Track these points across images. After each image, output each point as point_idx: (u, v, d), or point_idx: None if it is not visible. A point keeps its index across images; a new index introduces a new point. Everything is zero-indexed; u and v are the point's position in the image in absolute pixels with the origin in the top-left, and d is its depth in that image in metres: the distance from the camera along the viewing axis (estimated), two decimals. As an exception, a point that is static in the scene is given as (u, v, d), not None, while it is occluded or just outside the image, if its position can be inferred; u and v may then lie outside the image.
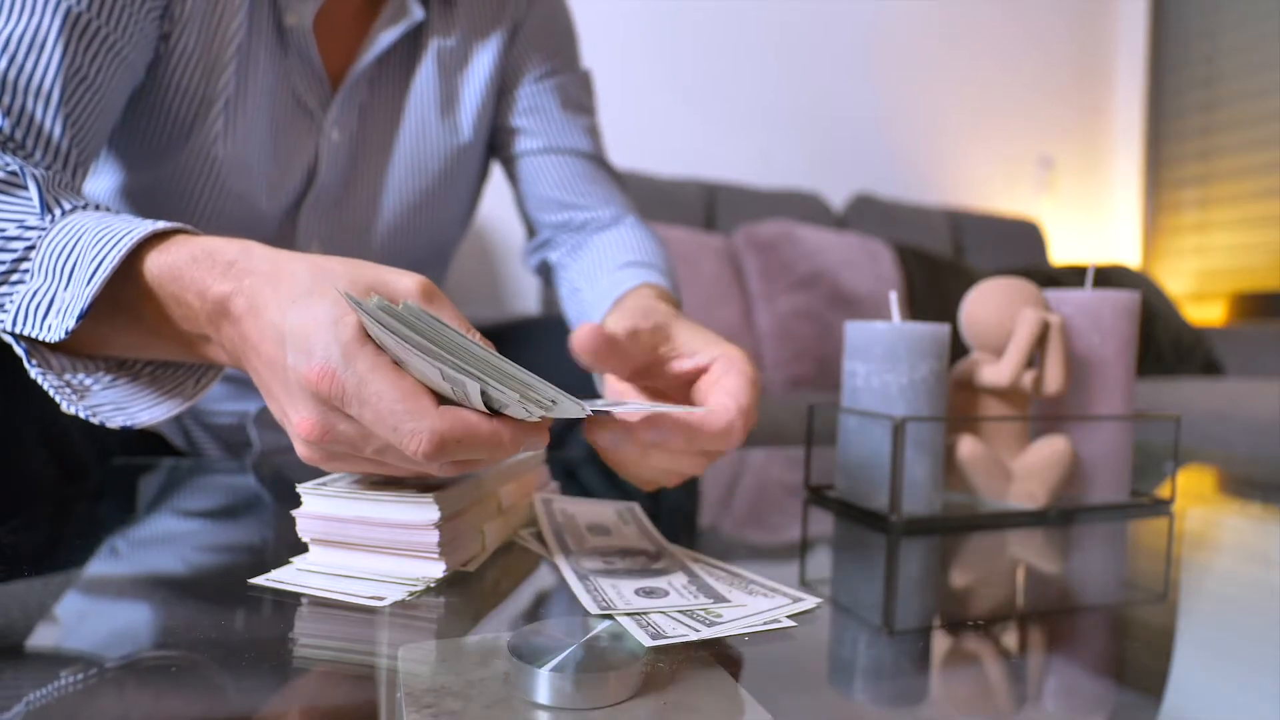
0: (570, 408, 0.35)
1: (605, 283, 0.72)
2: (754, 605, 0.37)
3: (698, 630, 0.33)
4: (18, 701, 0.28)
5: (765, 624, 0.35)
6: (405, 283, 0.38)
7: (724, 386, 0.45)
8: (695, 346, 0.48)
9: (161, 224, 0.44)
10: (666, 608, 0.36)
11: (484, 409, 0.34)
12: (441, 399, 0.35)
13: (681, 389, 0.49)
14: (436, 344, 0.33)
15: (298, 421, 0.36)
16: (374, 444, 0.35)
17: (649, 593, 0.37)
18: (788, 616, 0.36)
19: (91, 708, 0.28)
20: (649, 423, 0.41)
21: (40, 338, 0.44)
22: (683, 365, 0.48)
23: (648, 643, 0.32)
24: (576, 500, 0.52)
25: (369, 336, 0.34)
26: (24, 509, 0.55)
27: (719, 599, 0.37)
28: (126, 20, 0.57)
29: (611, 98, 1.34)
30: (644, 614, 0.35)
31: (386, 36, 0.70)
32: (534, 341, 0.89)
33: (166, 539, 0.51)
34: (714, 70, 2.43)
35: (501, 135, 0.82)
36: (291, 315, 0.36)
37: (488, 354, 0.34)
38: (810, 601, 0.38)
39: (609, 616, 0.35)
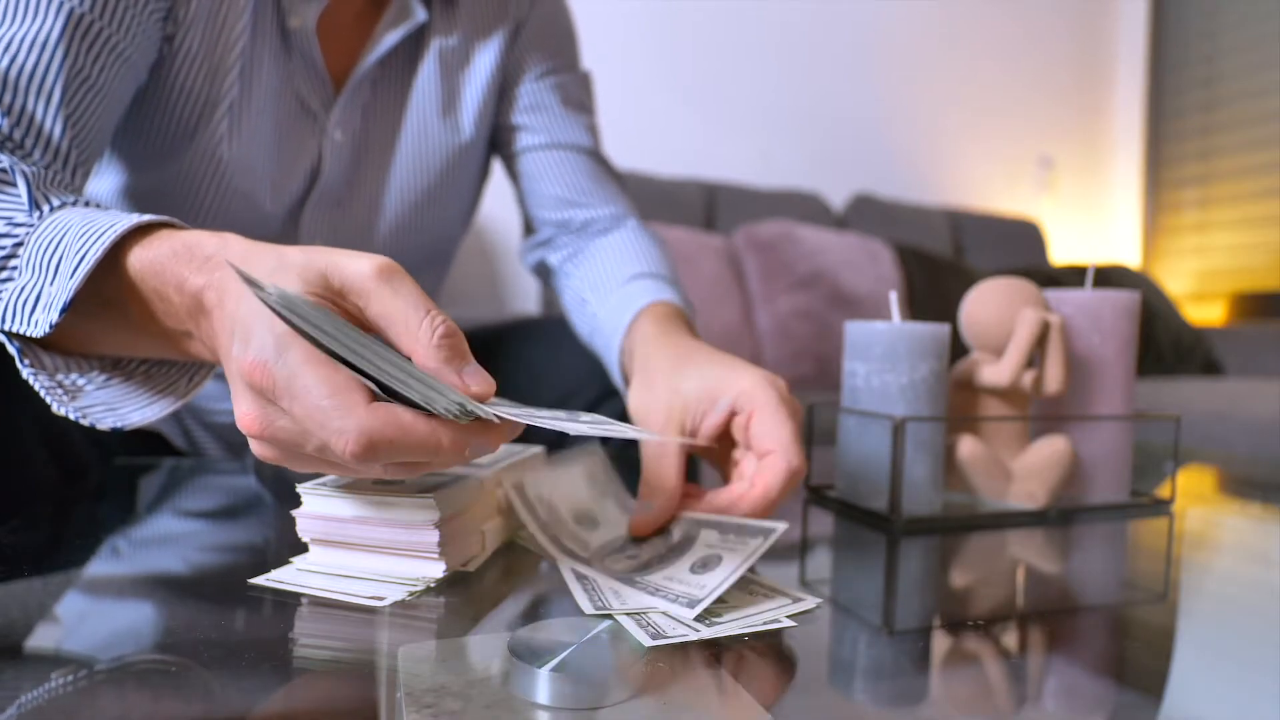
0: (491, 414, 0.32)
1: (615, 299, 0.71)
2: (755, 606, 0.37)
3: (698, 630, 0.33)
4: (18, 701, 0.28)
5: (765, 624, 0.35)
6: (359, 265, 0.35)
7: (760, 435, 0.46)
8: (712, 396, 0.49)
9: (146, 217, 0.43)
10: (665, 595, 0.36)
11: (425, 409, 0.32)
12: (377, 398, 0.33)
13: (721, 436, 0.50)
14: (335, 336, 0.31)
15: (239, 415, 0.34)
16: (313, 441, 0.33)
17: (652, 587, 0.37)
18: (787, 616, 0.36)
19: (91, 708, 0.28)
20: (499, 430, 0.36)
21: (27, 333, 0.43)
22: (710, 426, 0.49)
23: (648, 643, 0.32)
24: (546, 477, 0.50)
25: None
26: (24, 509, 0.55)
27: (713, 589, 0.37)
28: (129, 22, 0.57)
29: (611, 98, 1.35)
30: (643, 613, 0.35)
31: (390, 38, 0.71)
32: (534, 341, 0.89)
33: (166, 539, 0.51)
34: (714, 70, 2.43)
35: (503, 133, 0.82)
36: (242, 305, 0.34)
37: (394, 354, 0.32)
38: (810, 602, 0.38)
39: (608, 616, 0.35)
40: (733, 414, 0.48)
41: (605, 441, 0.82)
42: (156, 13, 0.60)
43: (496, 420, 0.33)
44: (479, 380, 0.34)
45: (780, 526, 0.40)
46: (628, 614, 0.35)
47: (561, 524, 0.46)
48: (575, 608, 0.36)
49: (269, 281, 0.33)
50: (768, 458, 0.46)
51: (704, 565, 0.38)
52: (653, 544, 0.43)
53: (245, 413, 0.34)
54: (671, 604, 0.35)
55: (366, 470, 0.34)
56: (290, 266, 0.35)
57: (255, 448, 0.36)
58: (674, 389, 0.50)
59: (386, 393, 0.33)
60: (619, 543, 0.45)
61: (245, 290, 0.34)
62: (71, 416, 0.45)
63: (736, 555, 0.38)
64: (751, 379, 0.48)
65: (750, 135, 2.49)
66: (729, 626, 0.34)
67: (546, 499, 0.47)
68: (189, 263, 0.40)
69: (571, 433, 0.33)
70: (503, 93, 0.81)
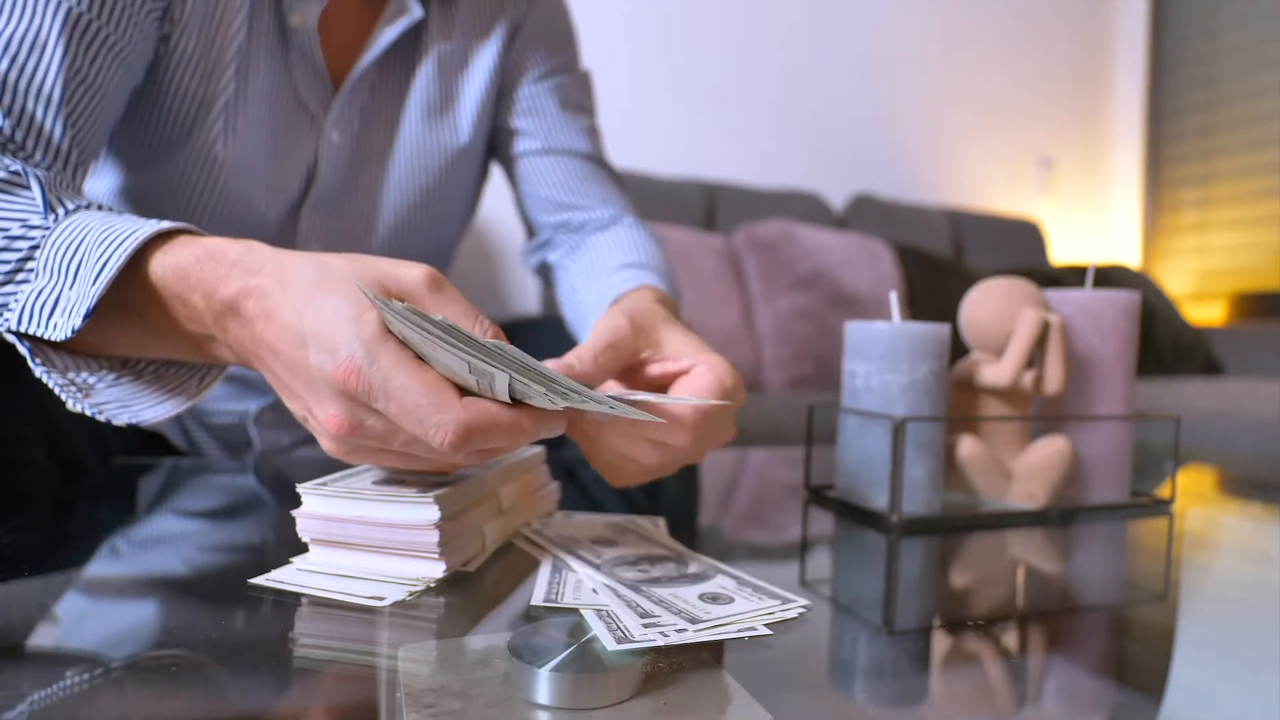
0: (590, 403, 0.35)
1: (602, 285, 0.72)
2: (737, 607, 0.36)
3: (666, 636, 0.32)
4: (19, 701, 0.28)
5: (739, 631, 0.34)
6: (412, 274, 0.38)
7: (692, 387, 0.45)
8: (680, 351, 0.48)
9: (166, 224, 0.44)
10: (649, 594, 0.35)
11: (506, 399, 0.35)
12: (463, 391, 0.35)
13: (662, 391, 0.49)
14: (460, 340, 0.34)
15: (325, 418, 0.36)
16: (401, 437, 0.36)
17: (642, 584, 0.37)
18: (767, 625, 0.34)
19: (92, 708, 0.28)
20: (564, 416, 0.40)
21: (46, 337, 0.44)
22: (663, 368, 0.48)
23: (612, 646, 0.31)
24: (566, 523, 0.51)
25: (390, 332, 0.35)
26: (24, 509, 0.55)
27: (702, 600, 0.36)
28: (126, 21, 0.58)
29: (611, 98, 1.34)
30: (613, 616, 0.34)
31: (387, 35, 0.71)
32: (534, 341, 0.89)
33: (166, 539, 0.51)
34: (714, 70, 2.43)
35: (501, 136, 0.82)
36: (309, 315, 0.36)
37: (508, 348, 0.35)
38: (795, 608, 0.36)
39: (555, 610, 0.34)
40: (683, 373, 0.47)
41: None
42: (153, 12, 0.60)
43: (582, 405, 0.35)
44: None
45: (800, 604, 0.37)
46: (598, 615, 0.34)
47: (580, 544, 0.46)
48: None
49: (327, 288, 0.36)
50: (695, 369, 0.46)
51: (713, 599, 0.37)
52: (665, 566, 0.42)
53: (332, 415, 0.36)
54: (675, 616, 0.34)
55: (453, 457, 0.36)
56: (339, 273, 0.37)
57: (329, 445, 0.38)
58: (653, 324, 0.49)
59: (475, 386, 0.35)
60: (632, 557, 0.44)
61: (298, 301, 0.37)
62: (88, 413, 0.45)
63: (750, 605, 0.37)
64: (721, 359, 0.47)
65: (750, 135, 2.49)
66: (701, 634, 0.33)
67: (564, 535, 0.47)
68: (215, 269, 0.41)
69: (622, 414, 0.35)
70: (501, 95, 0.81)
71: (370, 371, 0.34)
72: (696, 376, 0.46)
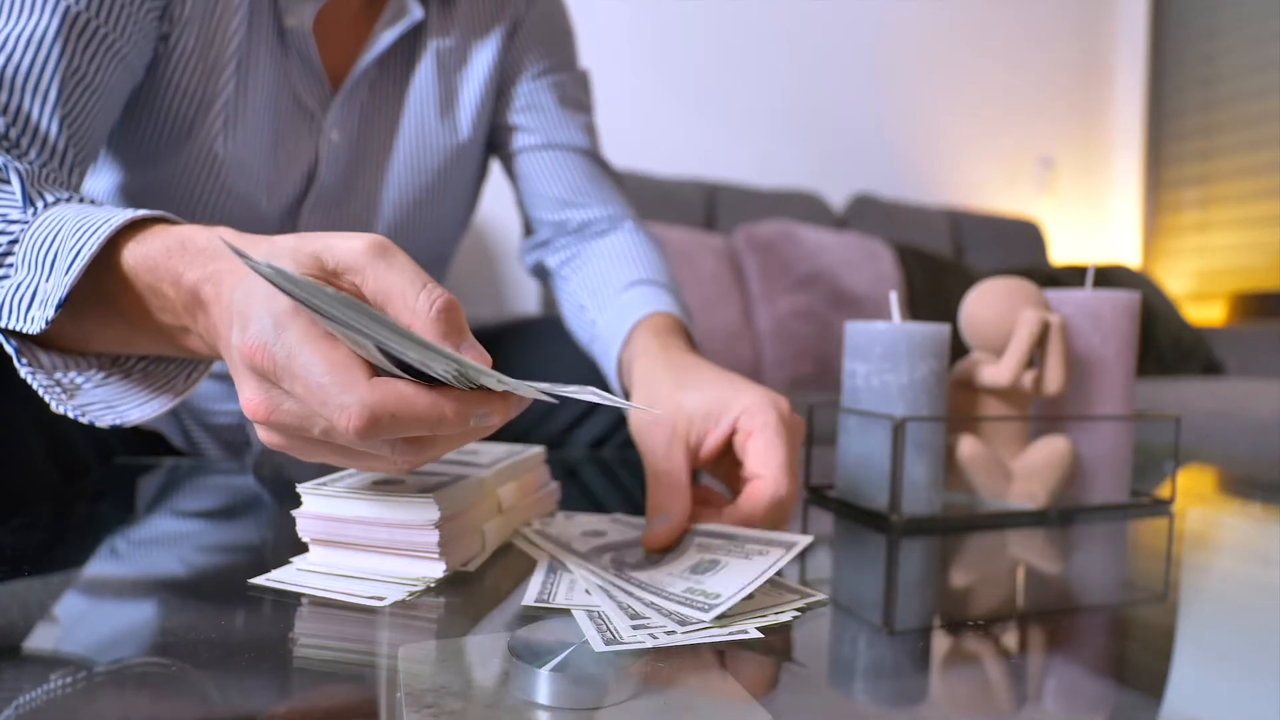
0: (503, 383, 0.32)
1: (614, 309, 0.72)
2: (730, 578, 0.36)
3: (655, 638, 0.32)
4: (18, 702, 0.28)
5: (730, 635, 0.33)
6: (352, 243, 0.34)
7: (753, 455, 0.46)
8: (714, 414, 0.49)
9: (140, 212, 0.43)
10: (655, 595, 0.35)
11: (424, 370, 0.31)
12: (379, 372, 0.32)
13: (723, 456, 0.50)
14: (328, 304, 0.30)
15: (244, 402, 0.34)
16: (318, 424, 0.33)
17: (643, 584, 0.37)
18: (759, 628, 0.34)
19: (91, 708, 0.28)
20: (504, 399, 0.36)
21: (24, 330, 0.43)
22: (711, 444, 0.49)
23: (599, 647, 0.31)
24: (555, 522, 0.51)
25: (304, 308, 0.32)
26: (24, 509, 0.55)
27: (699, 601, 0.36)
28: (125, 20, 0.57)
29: (612, 98, 1.35)
30: (604, 617, 0.34)
31: (387, 36, 0.71)
32: (534, 341, 0.89)
33: (166, 539, 0.51)
34: (714, 70, 2.43)
35: (500, 133, 0.82)
36: (238, 292, 0.34)
37: (391, 321, 0.31)
38: (786, 614, 0.36)
39: (548, 610, 0.34)
40: (734, 431, 0.48)
41: (613, 430, 0.82)
42: (152, 11, 0.60)
43: (497, 387, 0.32)
44: (477, 355, 0.33)
45: (804, 540, 0.38)
46: (588, 616, 0.34)
47: (573, 538, 0.46)
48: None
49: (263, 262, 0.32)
50: (754, 482, 0.46)
51: (703, 569, 0.37)
52: (635, 549, 0.43)
53: (249, 398, 0.33)
54: (681, 607, 0.34)
55: (371, 447, 0.33)
56: (283, 251, 0.35)
57: (262, 434, 0.35)
58: (677, 405, 0.50)
59: (395, 366, 0.32)
60: (617, 543, 0.45)
61: (240, 278, 0.34)
62: (70, 414, 0.44)
63: (752, 565, 0.37)
64: (753, 397, 0.48)
65: (750, 135, 2.49)
66: (691, 637, 0.33)
67: (554, 534, 0.48)
68: (183, 258, 0.40)
69: (574, 396, 0.32)
70: (500, 92, 0.81)
71: (275, 347, 0.31)
72: (748, 438, 0.47)
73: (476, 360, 0.32)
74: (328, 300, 0.30)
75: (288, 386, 0.32)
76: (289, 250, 0.35)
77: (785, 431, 0.46)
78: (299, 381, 0.31)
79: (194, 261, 0.39)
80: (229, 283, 0.36)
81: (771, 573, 0.36)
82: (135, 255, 0.41)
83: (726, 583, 0.36)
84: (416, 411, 0.31)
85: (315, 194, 0.72)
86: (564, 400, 0.37)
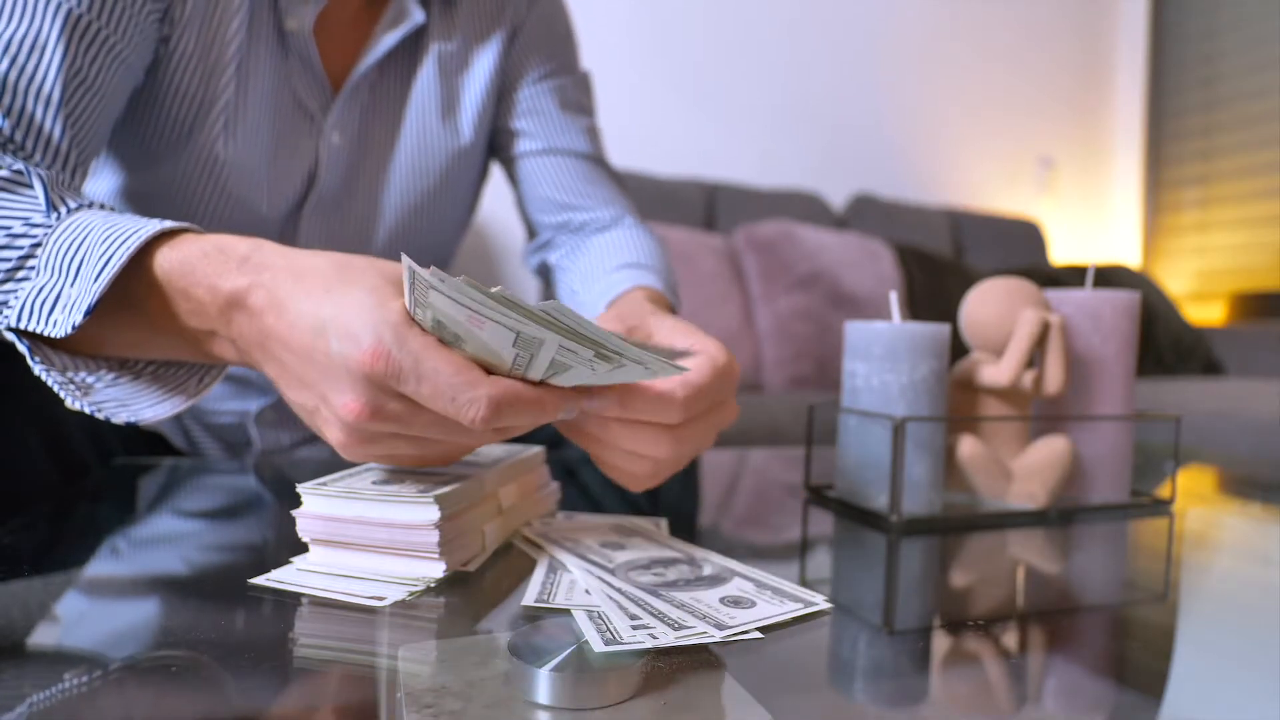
0: (632, 363, 0.36)
1: (600, 286, 0.72)
2: (760, 611, 0.36)
3: (656, 639, 0.32)
4: (18, 702, 0.28)
5: (732, 634, 0.33)
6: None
7: (691, 341, 0.46)
8: (670, 338, 0.48)
9: (170, 223, 0.44)
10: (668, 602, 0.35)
11: (538, 377, 0.37)
12: (489, 372, 0.37)
13: None
14: (512, 308, 0.34)
15: (343, 405, 0.37)
16: (422, 419, 0.37)
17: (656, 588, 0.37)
18: (758, 628, 0.34)
19: (91, 708, 0.28)
20: (586, 392, 0.41)
21: (46, 333, 0.44)
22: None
23: (599, 647, 0.31)
24: (571, 525, 0.51)
25: (414, 320, 0.37)
26: (24, 509, 0.55)
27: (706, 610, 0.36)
28: (126, 22, 0.58)
29: (612, 98, 1.35)
30: (605, 617, 0.34)
31: (388, 39, 0.71)
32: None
33: (166, 539, 0.51)
34: (714, 70, 2.43)
35: (501, 137, 0.82)
36: (328, 304, 0.37)
37: (564, 309, 0.34)
38: (818, 608, 0.37)
39: (547, 610, 0.34)
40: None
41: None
42: (153, 13, 0.60)
43: (649, 369, 0.37)
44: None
45: (819, 601, 0.38)
46: (588, 616, 0.34)
47: (588, 548, 0.46)
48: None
49: (349, 280, 0.38)
50: (698, 356, 0.45)
51: (735, 603, 0.37)
52: (679, 569, 0.42)
53: (351, 401, 0.37)
54: (699, 621, 0.34)
55: (479, 433, 0.38)
56: (358, 269, 0.39)
57: (340, 436, 0.38)
58: (643, 319, 0.51)
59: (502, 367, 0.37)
60: (645, 560, 0.44)
61: (316, 291, 0.38)
62: (87, 410, 0.45)
63: (773, 608, 0.37)
64: (715, 342, 0.47)
65: (750, 135, 2.49)
66: (691, 638, 0.32)
67: (568, 537, 0.47)
68: (223, 264, 0.41)
69: (666, 372, 0.37)
70: (501, 96, 0.81)
71: (400, 355, 0.35)
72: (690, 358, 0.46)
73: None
74: (510, 306, 0.34)
75: (411, 389, 0.36)
76: (370, 271, 0.39)
77: (722, 372, 0.45)
78: (427, 383, 0.35)
79: (236, 268, 0.41)
80: (292, 292, 0.39)
81: (781, 619, 0.36)
82: (170, 260, 0.43)
83: (746, 615, 0.36)
84: (528, 402, 0.37)
85: (315, 196, 0.72)
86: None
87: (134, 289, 0.44)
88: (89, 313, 0.42)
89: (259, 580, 0.39)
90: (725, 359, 0.46)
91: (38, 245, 0.46)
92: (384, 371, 0.35)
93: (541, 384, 0.38)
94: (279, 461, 0.77)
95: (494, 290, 0.34)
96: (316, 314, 0.38)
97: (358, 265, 0.39)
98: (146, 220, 0.44)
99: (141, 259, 0.43)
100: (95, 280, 0.42)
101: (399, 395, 0.36)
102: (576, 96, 0.84)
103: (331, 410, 0.38)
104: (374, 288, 0.37)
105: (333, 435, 0.39)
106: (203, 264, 0.42)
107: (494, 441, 0.42)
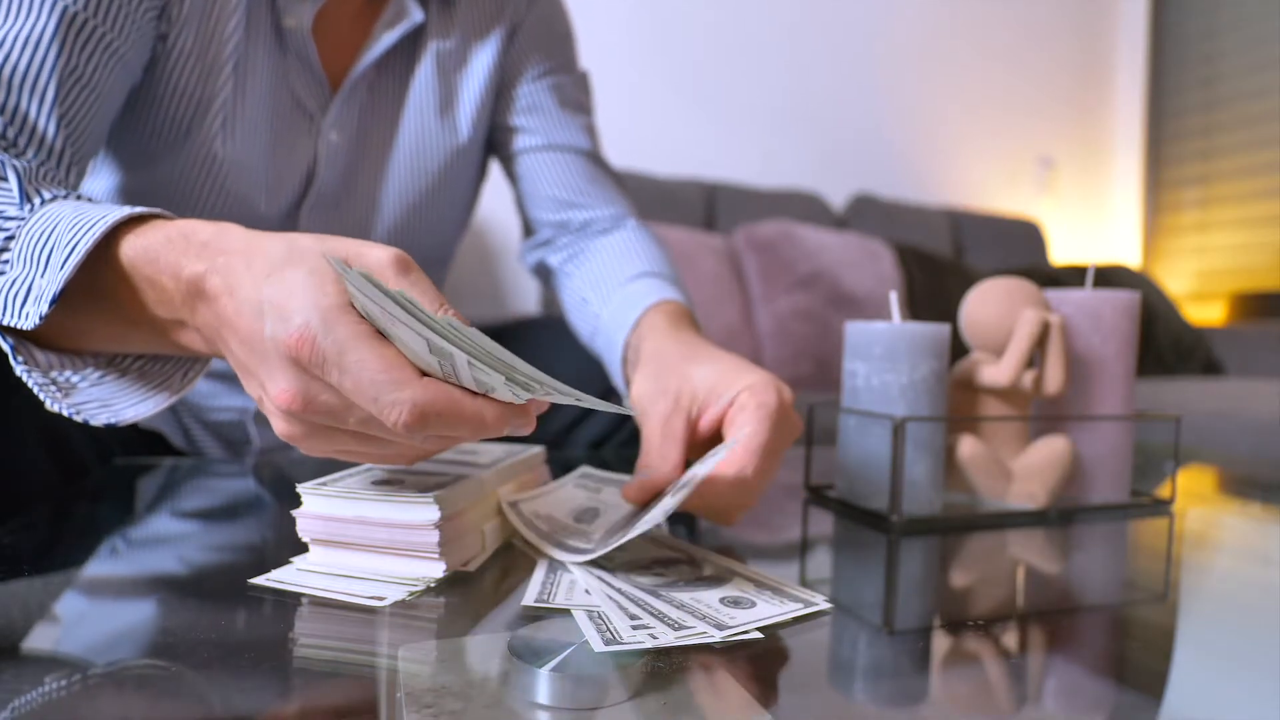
0: (556, 395, 0.34)
1: (619, 299, 0.71)
2: (761, 611, 0.36)
3: (656, 639, 0.32)
4: (18, 702, 0.28)
5: (732, 635, 0.33)
6: (378, 254, 0.36)
7: (739, 426, 0.46)
8: (715, 388, 0.49)
9: (137, 209, 0.43)
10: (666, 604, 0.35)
11: (470, 387, 0.34)
12: (423, 373, 0.34)
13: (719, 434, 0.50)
14: (418, 315, 0.32)
15: (276, 393, 0.35)
16: (356, 414, 0.34)
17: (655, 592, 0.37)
18: (758, 628, 0.34)
19: (91, 708, 0.28)
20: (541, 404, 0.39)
21: (18, 325, 0.43)
22: (712, 417, 0.49)
23: (599, 647, 0.31)
24: (540, 495, 0.51)
25: (352, 305, 0.34)
26: (24, 509, 0.55)
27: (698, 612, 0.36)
28: (123, 20, 0.57)
29: (612, 98, 1.35)
30: (604, 617, 0.34)
31: (387, 38, 0.71)
32: (534, 341, 0.89)
33: (166, 539, 0.51)
34: (714, 70, 2.43)
35: (500, 134, 0.82)
36: (268, 286, 0.35)
37: (473, 332, 0.33)
38: (818, 608, 0.37)
39: (547, 609, 0.34)
40: (729, 406, 0.48)
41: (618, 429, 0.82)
42: (150, 11, 0.60)
43: (576, 400, 0.34)
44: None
45: (819, 601, 0.38)
46: (588, 616, 0.34)
47: (563, 528, 0.46)
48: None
49: (293, 262, 0.35)
50: (737, 400, 0.47)
51: (735, 604, 0.37)
52: (679, 569, 0.42)
53: (284, 389, 0.34)
54: (699, 621, 0.34)
55: (408, 440, 0.34)
56: (306, 250, 0.36)
57: (282, 426, 0.36)
58: (684, 376, 0.50)
59: (438, 370, 0.34)
60: (645, 560, 0.44)
61: (260, 272, 0.35)
62: (65, 413, 0.44)
63: (774, 609, 0.37)
64: (759, 377, 0.48)
65: (750, 135, 2.49)
66: (692, 638, 0.32)
67: (544, 513, 0.47)
68: (185, 249, 0.40)
69: (597, 408, 0.34)
70: (500, 94, 0.81)
71: (325, 342, 0.33)
72: (739, 410, 0.47)
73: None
74: (414, 313, 0.31)
75: (335, 380, 0.33)
76: (317, 253, 0.36)
77: (777, 416, 0.46)
78: (349, 376, 0.32)
79: (197, 254, 0.39)
80: (243, 275, 0.36)
81: (777, 619, 0.36)
82: (135, 247, 0.41)
83: (745, 616, 0.36)
84: (463, 415, 0.33)
85: (314, 195, 0.72)
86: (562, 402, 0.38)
87: (105, 278, 0.42)
88: (54, 302, 0.41)
89: (259, 580, 0.39)
90: (776, 401, 0.47)
91: (11, 238, 0.45)
92: (308, 357, 0.33)
93: (483, 395, 0.34)
94: (279, 461, 0.77)
95: (394, 291, 0.31)
96: (257, 297, 0.35)
97: (303, 245, 0.36)
98: (115, 207, 0.43)
99: (109, 247, 0.42)
100: (61, 269, 0.41)
101: (331, 386, 0.34)
102: (575, 95, 0.84)
103: (269, 398, 0.36)
104: (314, 269, 0.35)
105: (276, 426, 0.37)
106: (166, 250, 0.40)
107: (437, 450, 0.38)
